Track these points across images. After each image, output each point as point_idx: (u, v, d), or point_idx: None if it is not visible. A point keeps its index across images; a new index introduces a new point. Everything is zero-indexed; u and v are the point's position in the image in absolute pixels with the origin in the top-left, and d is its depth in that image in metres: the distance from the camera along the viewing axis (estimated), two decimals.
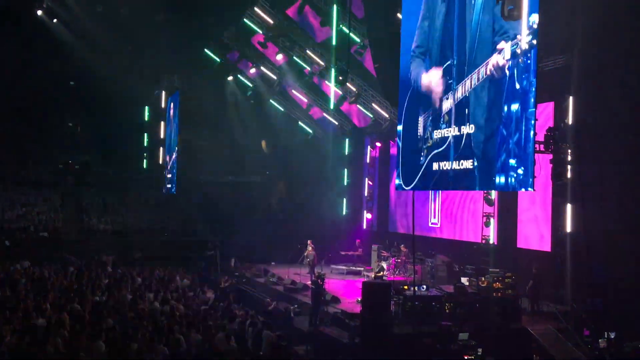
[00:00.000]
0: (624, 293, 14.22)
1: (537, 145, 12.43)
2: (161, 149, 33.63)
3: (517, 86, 11.75)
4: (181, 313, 14.59)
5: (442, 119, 14.30)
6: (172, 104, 31.30)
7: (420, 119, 15.31)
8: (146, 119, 34.39)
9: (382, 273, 18.17)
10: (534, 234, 17.78)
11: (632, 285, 14.20)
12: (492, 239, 18.41)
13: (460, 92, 13.56)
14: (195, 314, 15.07)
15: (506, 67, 11.97)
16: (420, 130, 15.30)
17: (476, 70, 12.89)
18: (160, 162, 33.69)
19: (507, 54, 11.90)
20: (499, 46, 12.16)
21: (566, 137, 14.96)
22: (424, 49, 15.32)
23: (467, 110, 13.31)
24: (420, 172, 15.23)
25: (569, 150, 14.86)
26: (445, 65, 14.18)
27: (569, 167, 15.02)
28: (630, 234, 14.23)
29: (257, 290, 21.33)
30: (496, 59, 12.21)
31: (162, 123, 33.36)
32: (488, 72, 12.44)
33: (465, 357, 13.05)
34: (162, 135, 33.49)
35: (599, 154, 15.01)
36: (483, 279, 15.38)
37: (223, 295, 18.93)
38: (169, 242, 28.34)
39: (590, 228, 14.12)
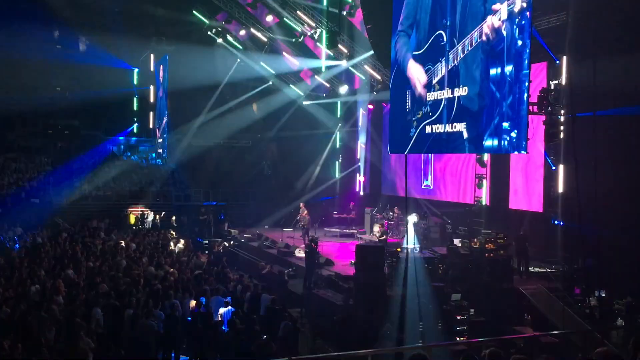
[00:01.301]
0: (614, 252, 14.35)
1: (530, 107, 12.30)
2: (151, 113, 33.26)
3: (511, 48, 11.60)
4: (175, 278, 14.64)
5: (434, 85, 14.14)
6: (161, 67, 30.77)
7: (415, 84, 15.11)
8: (135, 82, 33.89)
9: (385, 237, 18.16)
10: (526, 195, 17.83)
11: (622, 244, 14.32)
12: (485, 200, 18.46)
13: (452, 57, 13.37)
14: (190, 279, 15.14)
15: (502, 28, 11.77)
16: (415, 93, 15.14)
17: (469, 34, 12.68)
18: (151, 126, 33.37)
19: (504, 14, 11.68)
20: (494, 7, 11.94)
21: (560, 98, 14.81)
22: (412, 21, 15.05)
23: (460, 72, 13.15)
24: (413, 135, 15.15)
25: (562, 111, 14.74)
26: (435, 34, 13.93)
27: (561, 127, 14.95)
28: (621, 195, 14.28)
29: (251, 254, 21.42)
30: (491, 21, 11.99)
31: (152, 87, 32.90)
32: (483, 37, 12.22)
33: (458, 317, 13.25)
34: (152, 100, 33.08)
35: (592, 114, 14.91)
36: (475, 240, 15.47)
37: (217, 260, 19.00)
38: (163, 207, 28.28)
39: (582, 189, 14.14)
